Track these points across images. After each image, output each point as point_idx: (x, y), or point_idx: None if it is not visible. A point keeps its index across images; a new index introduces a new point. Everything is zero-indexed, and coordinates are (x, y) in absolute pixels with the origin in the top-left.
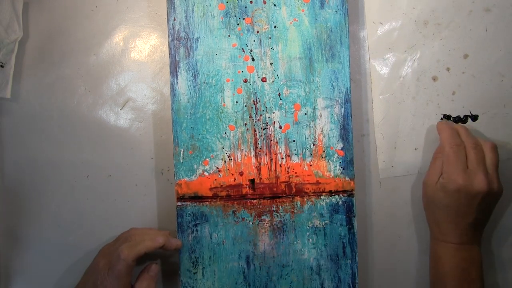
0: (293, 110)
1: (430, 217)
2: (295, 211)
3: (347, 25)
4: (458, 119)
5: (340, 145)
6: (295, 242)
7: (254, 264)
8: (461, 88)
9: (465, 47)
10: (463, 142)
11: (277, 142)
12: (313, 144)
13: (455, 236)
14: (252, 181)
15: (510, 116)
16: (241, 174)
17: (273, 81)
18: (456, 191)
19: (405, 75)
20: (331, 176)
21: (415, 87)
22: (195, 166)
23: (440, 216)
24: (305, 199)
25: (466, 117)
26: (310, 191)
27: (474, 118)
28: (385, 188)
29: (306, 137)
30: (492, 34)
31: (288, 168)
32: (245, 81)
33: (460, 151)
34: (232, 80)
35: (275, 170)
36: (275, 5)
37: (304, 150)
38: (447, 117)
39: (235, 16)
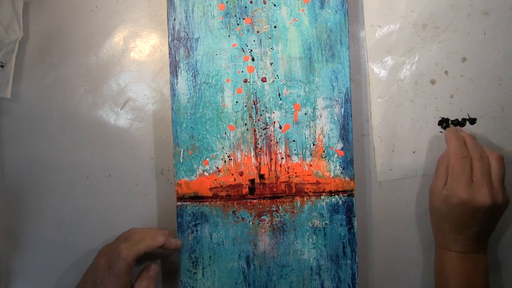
0: (293, 110)
1: (435, 224)
2: (295, 211)
3: (347, 25)
4: (456, 122)
5: (340, 145)
6: (295, 242)
7: (254, 264)
8: (460, 91)
9: (464, 50)
10: (469, 154)
11: (277, 142)
12: (313, 144)
13: (459, 246)
14: (252, 181)
15: (508, 119)
16: (241, 174)
17: (273, 81)
18: (459, 205)
19: (403, 78)
20: (331, 176)
21: (413, 90)
22: (195, 166)
23: (444, 226)
24: (305, 199)
25: (464, 120)
26: (310, 191)
27: (472, 121)
28: (385, 189)
29: (306, 137)
30: (490, 37)
31: (288, 168)
32: (245, 81)
33: (465, 164)
34: (232, 80)
35: (275, 170)
36: (275, 5)
37: (304, 150)
38: (445, 120)
39: (235, 16)
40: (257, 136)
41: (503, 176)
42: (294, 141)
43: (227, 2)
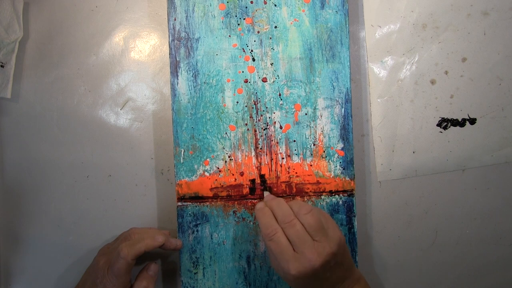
0: (294, 110)
1: None
2: None
3: (347, 25)
4: (456, 123)
5: (340, 145)
6: None
7: (254, 264)
8: (459, 91)
9: (463, 51)
10: (279, 227)
11: (277, 142)
12: (314, 144)
13: None
14: (253, 181)
15: (508, 119)
16: (242, 174)
17: (273, 81)
18: (297, 279)
19: (403, 78)
20: (331, 176)
21: (413, 90)
22: (195, 166)
23: None
24: (306, 199)
25: (464, 120)
26: (310, 191)
27: (472, 121)
28: (385, 188)
29: (307, 137)
30: (490, 38)
31: (288, 168)
32: (246, 81)
33: (279, 239)
34: (233, 80)
35: (275, 170)
36: (275, 5)
37: (304, 150)
38: (444, 120)
39: (236, 16)
40: (258, 136)
41: (319, 224)
42: (294, 141)
43: (227, 2)
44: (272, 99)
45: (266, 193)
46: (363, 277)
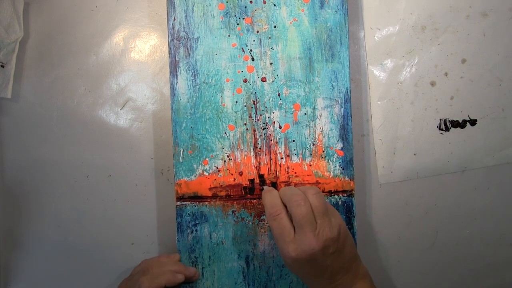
0: (293, 110)
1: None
2: None
3: (347, 25)
4: (457, 124)
5: (339, 145)
6: None
7: (253, 264)
8: (459, 92)
9: (463, 52)
10: (284, 207)
11: (276, 142)
12: (313, 144)
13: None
14: (252, 181)
15: (509, 120)
16: (241, 174)
17: (273, 81)
18: (295, 262)
19: (403, 81)
20: (330, 176)
21: (413, 92)
22: (194, 166)
23: (308, 282)
24: None
25: (464, 121)
26: None
27: (473, 122)
28: (385, 189)
29: (306, 137)
30: (490, 39)
31: (287, 168)
32: (245, 81)
33: (281, 220)
34: (232, 80)
35: (274, 170)
36: (275, 5)
37: (303, 150)
38: (445, 122)
39: (235, 16)
40: (257, 136)
41: (324, 207)
42: (293, 141)
43: (227, 2)
44: (271, 99)
45: (265, 187)
46: (369, 276)
